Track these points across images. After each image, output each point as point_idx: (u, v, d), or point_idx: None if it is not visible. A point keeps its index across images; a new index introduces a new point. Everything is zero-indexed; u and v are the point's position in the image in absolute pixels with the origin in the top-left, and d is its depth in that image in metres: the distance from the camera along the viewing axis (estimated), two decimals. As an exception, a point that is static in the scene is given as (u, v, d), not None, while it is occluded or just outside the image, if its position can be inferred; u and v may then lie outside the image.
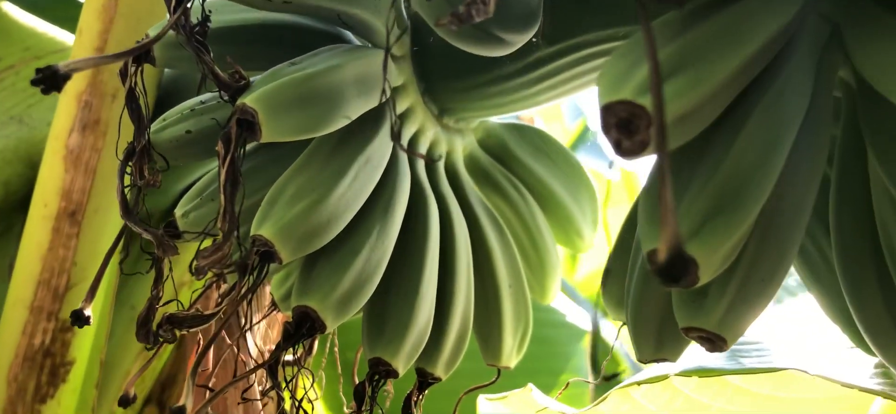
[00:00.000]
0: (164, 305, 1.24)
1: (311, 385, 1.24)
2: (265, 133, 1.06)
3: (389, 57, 1.25)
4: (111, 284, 1.75)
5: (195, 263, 1.03)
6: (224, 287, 1.47)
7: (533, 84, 1.30)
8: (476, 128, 1.50)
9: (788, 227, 0.90)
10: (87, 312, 1.19)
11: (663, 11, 0.83)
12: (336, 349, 1.59)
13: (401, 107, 1.31)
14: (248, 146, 1.11)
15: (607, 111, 0.71)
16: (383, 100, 1.17)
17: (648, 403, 1.42)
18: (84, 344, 1.73)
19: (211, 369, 1.54)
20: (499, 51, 1.13)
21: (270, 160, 1.25)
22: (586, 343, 2.81)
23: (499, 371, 1.45)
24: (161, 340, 1.17)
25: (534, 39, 1.17)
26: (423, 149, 1.37)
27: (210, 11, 1.09)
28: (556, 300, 1.68)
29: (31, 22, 2.01)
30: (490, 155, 1.53)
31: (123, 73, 1.16)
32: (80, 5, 1.69)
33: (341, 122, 1.14)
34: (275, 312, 1.49)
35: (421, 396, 1.35)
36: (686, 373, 1.31)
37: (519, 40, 1.12)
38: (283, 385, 1.18)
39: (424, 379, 1.34)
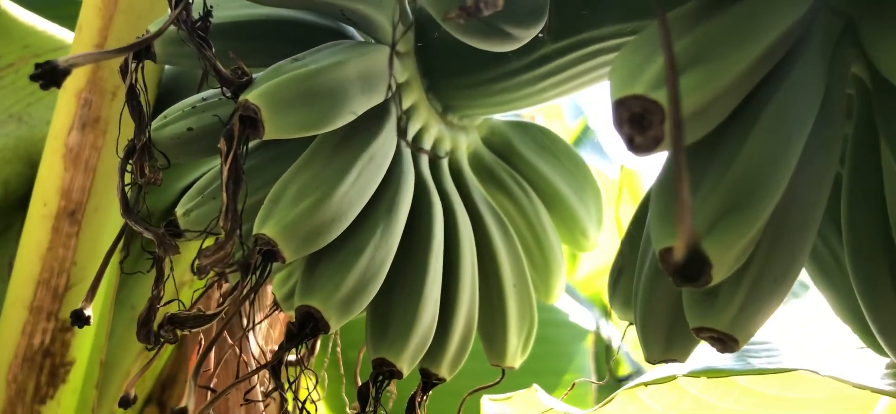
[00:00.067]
0: (164, 304, 1.23)
1: (315, 386, 1.22)
2: (268, 130, 1.04)
3: (392, 54, 1.23)
4: (111, 283, 1.74)
5: (197, 262, 1.01)
6: (225, 287, 1.45)
7: (538, 81, 1.28)
8: (480, 125, 1.48)
9: (801, 226, 0.88)
10: (88, 312, 1.17)
11: (676, 5, 0.81)
12: (339, 349, 1.58)
13: (405, 104, 1.29)
14: (250, 143, 1.09)
15: (620, 106, 0.69)
16: (388, 96, 1.16)
17: (654, 404, 1.41)
18: (84, 344, 1.71)
19: (212, 370, 1.53)
20: (506, 46, 1.12)
21: (273, 158, 1.23)
22: (589, 343, 2.80)
23: (503, 372, 1.43)
24: (162, 340, 1.16)
25: (540, 35, 1.16)
26: (426, 147, 1.35)
27: (211, 7, 1.07)
28: (559, 299, 1.67)
29: (30, 20, 2.00)
30: (494, 153, 1.51)
31: (124, 70, 1.15)
32: (80, 4, 1.67)
33: (345, 119, 1.12)
34: (277, 312, 1.48)
35: (425, 397, 1.33)
36: (694, 373, 1.29)
37: (526, 36, 1.10)
38: (286, 386, 1.16)
39: (428, 380, 1.33)
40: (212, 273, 1.10)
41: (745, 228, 0.77)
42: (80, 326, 1.18)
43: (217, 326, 1.13)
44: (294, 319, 1.16)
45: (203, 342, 1.56)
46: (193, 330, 1.11)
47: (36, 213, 1.67)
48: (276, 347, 1.73)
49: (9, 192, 1.80)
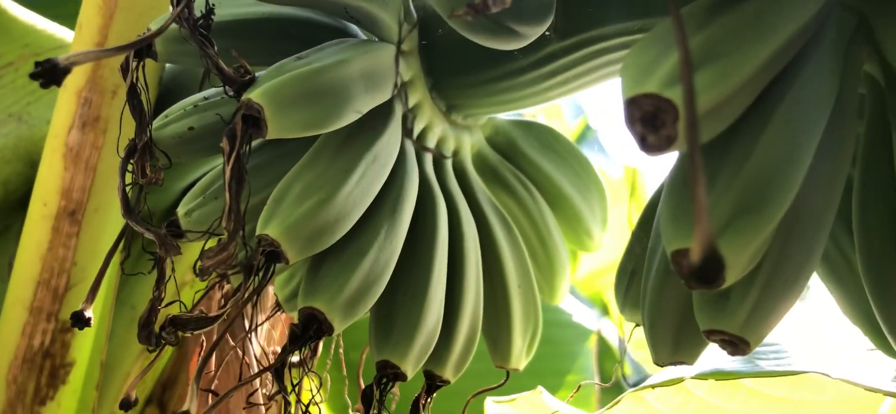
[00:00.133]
0: (165, 306, 1.21)
1: (319, 389, 1.21)
2: (271, 129, 1.03)
3: (397, 52, 1.22)
4: (111, 283, 1.73)
5: (200, 263, 1.00)
6: (227, 288, 1.44)
7: (544, 79, 1.27)
8: (484, 125, 1.47)
9: (814, 226, 0.87)
10: (88, 313, 1.16)
11: (687, 1, 0.80)
12: (341, 351, 1.56)
13: (409, 103, 1.28)
14: (253, 143, 1.08)
15: (632, 105, 0.68)
16: (394, 94, 1.14)
17: (661, 406, 1.40)
18: (84, 345, 1.70)
19: (213, 372, 1.51)
20: (512, 44, 1.11)
21: (275, 157, 1.22)
22: (592, 343, 2.78)
23: (507, 373, 1.42)
24: (163, 342, 1.14)
25: (546, 33, 1.14)
26: (430, 146, 1.34)
27: (213, 5, 1.06)
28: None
29: (30, 19, 1.98)
30: (498, 152, 1.50)
31: (125, 68, 1.13)
32: (80, 2, 1.66)
33: (349, 118, 1.11)
34: (278, 313, 1.46)
35: (429, 399, 1.32)
36: (702, 376, 1.28)
37: (533, 34, 1.09)
38: (290, 388, 1.15)
39: (433, 381, 1.31)
40: (213, 274, 1.08)
41: (759, 229, 0.75)
42: (81, 328, 1.17)
43: (219, 328, 1.12)
44: (296, 320, 1.15)
45: (205, 343, 1.54)
46: (195, 332, 1.10)
47: (36, 213, 1.65)
48: (277, 348, 1.73)
49: (8, 192, 1.79)
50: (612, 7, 1.15)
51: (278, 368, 1.12)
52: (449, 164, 1.40)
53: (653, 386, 1.33)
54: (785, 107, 0.80)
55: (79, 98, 1.63)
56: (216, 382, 1.47)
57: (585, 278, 4.88)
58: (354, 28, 1.28)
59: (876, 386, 1.21)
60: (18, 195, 1.79)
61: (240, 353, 1.32)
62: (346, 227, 1.13)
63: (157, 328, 1.14)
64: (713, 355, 1.29)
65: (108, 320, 1.74)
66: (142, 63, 1.13)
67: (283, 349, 1.12)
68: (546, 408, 1.50)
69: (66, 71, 0.83)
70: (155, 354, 1.19)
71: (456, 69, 1.30)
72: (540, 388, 1.50)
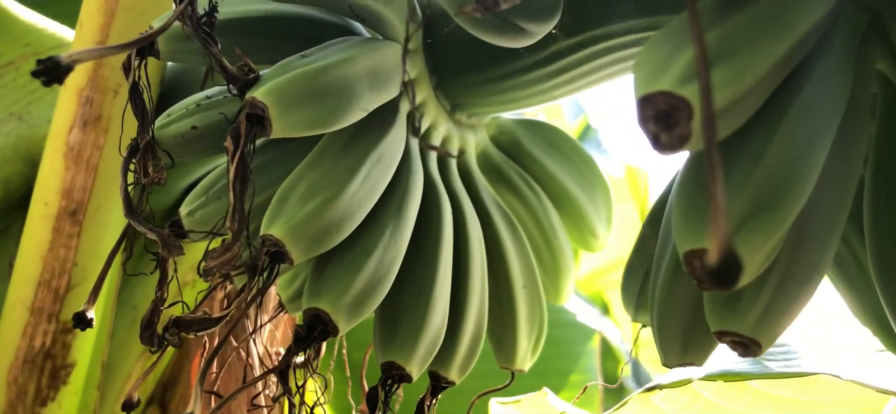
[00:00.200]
0: (168, 306, 1.20)
1: (324, 391, 1.20)
2: (276, 128, 1.02)
3: (402, 50, 1.21)
4: (113, 284, 1.71)
5: (204, 264, 0.99)
6: (230, 288, 1.43)
7: (549, 78, 1.26)
8: (488, 124, 1.46)
9: (827, 227, 0.86)
10: (90, 314, 1.15)
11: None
12: (344, 351, 1.55)
13: (414, 102, 1.27)
14: (257, 142, 1.07)
15: (645, 103, 0.66)
16: (400, 92, 1.13)
17: (667, 407, 1.39)
18: (85, 346, 1.69)
19: (216, 373, 1.50)
20: (519, 42, 1.09)
21: (279, 156, 1.21)
22: (596, 343, 2.77)
23: (512, 374, 1.41)
24: (166, 342, 1.13)
25: (552, 31, 1.13)
26: (435, 144, 1.33)
27: (217, 2, 1.05)
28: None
29: (31, 18, 1.97)
30: (503, 151, 1.49)
31: (127, 67, 1.12)
32: (81, 1, 1.65)
33: (355, 117, 1.10)
34: (281, 314, 1.45)
35: (434, 401, 1.31)
36: (711, 377, 1.26)
37: (540, 31, 1.08)
38: (294, 389, 1.14)
39: (437, 383, 1.30)
40: (217, 275, 1.07)
41: (774, 229, 0.74)
42: (83, 329, 1.16)
43: (223, 330, 1.11)
44: (299, 321, 1.14)
45: (208, 344, 1.53)
46: (198, 333, 1.09)
47: (37, 212, 1.64)
48: (279, 349, 1.71)
49: (9, 192, 1.78)
50: (619, 5, 1.14)
51: (283, 370, 1.11)
52: (453, 163, 1.39)
53: (660, 387, 1.32)
54: (799, 104, 0.78)
55: (80, 97, 1.62)
56: (218, 383, 1.46)
57: (586, 278, 4.88)
58: (359, 26, 1.27)
59: (886, 387, 1.20)
60: (19, 195, 1.78)
61: (242, 354, 1.31)
62: (352, 227, 1.12)
63: (159, 329, 1.13)
64: (720, 356, 1.28)
65: (109, 321, 1.73)
66: (144, 61, 1.12)
67: (288, 350, 1.10)
68: (551, 409, 1.49)
69: (68, 69, 0.82)
70: (157, 354, 1.18)
71: (461, 68, 1.29)
72: (545, 389, 1.49)
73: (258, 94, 1.01)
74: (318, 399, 1.20)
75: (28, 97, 1.86)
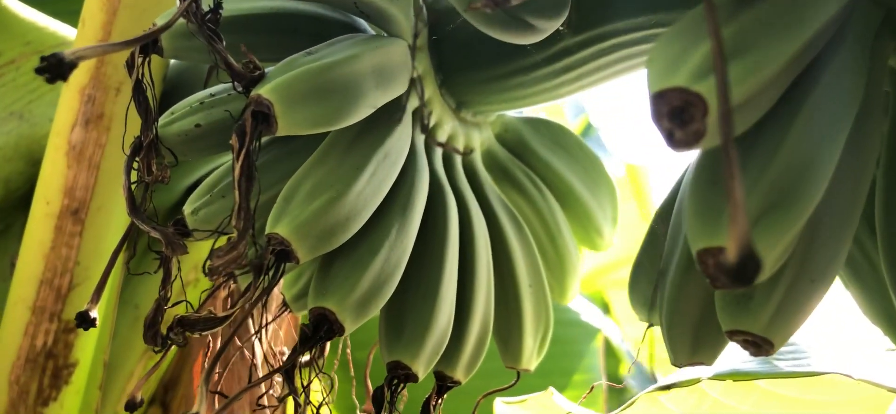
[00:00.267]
0: (171, 306, 1.19)
1: (330, 392, 1.19)
2: (281, 126, 1.01)
3: (407, 48, 1.20)
4: (115, 283, 1.71)
5: (209, 263, 0.98)
6: (233, 287, 1.42)
7: (556, 75, 1.25)
8: (494, 122, 1.45)
9: (840, 225, 0.85)
10: (93, 313, 1.14)
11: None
12: (349, 351, 1.54)
13: (418, 100, 1.26)
14: (262, 140, 1.06)
15: (659, 99, 0.65)
16: (407, 89, 1.12)
17: (674, 407, 1.38)
18: (87, 345, 1.68)
19: (219, 373, 1.49)
20: (528, 38, 1.08)
21: (284, 154, 1.20)
22: (599, 342, 2.76)
23: (518, 374, 1.40)
24: (170, 342, 1.12)
25: (560, 28, 1.12)
26: (441, 141, 1.32)
27: (221, -1, 1.04)
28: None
29: (31, 16, 1.96)
30: (508, 150, 1.48)
31: (130, 64, 1.11)
32: (83, -1, 1.64)
33: (362, 114, 1.09)
34: (285, 313, 1.44)
35: (439, 401, 1.30)
36: (720, 376, 1.25)
37: (549, 28, 1.07)
38: (300, 389, 1.13)
39: (443, 382, 1.29)
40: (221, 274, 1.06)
41: (789, 226, 0.73)
42: (86, 328, 1.15)
43: (226, 329, 1.10)
44: (303, 320, 1.13)
45: (211, 344, 1.52)
46: (203, 333, 1.08)
47: (38, 211, 1.63)
48: (283, 348, 1.71)
49: (10, 191, 1.77)
50: (628, 2, 1.13)
51: (288, 370, 1.10)
52: (459, 161, 1.38)
53: (669, 387, 1.31)
54: (813, 101, 0.77)
55: (82, 95, 1.61)
56: (221, 382, 1.45)
57: (586, 277, 4.87)
58: (363, 23, 1.26)
59: (898, 387, 1.19)
60: (20, 194, 1.77)
61: (245, 353, 1.30)
62: (358, 225, 1.11)
63: (163, 329, 1.12)
64: (727, 355, 1.27)
65: (111, 320, 1.72)
66: (148, 59, 1.11)
67: (294, 350, 1.09)
68: (557, 409, 1.48)
69: (72, 65, 0.81)
70: (160, 354, 1.17)
71: (466, 65, 1.28)
72: (551, 389, 1.48)
73: (264, 91, 1.00)
74: (325, 399, 1.19)
75: (29, 96, 1.86)
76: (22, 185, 1.78)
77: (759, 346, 0.86)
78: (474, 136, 1.40)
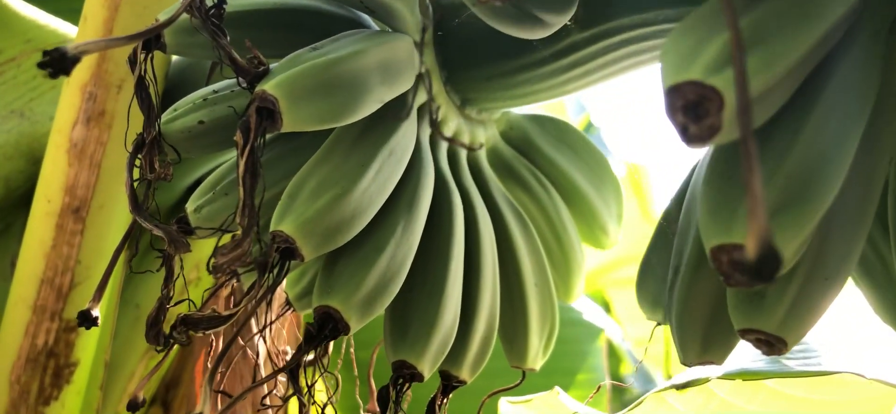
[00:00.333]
0: (173, 305, 1.18)
1: (336, 392, 1.17)
2: (286, 122, 0.99)
3: (413, 44, 1.18)
4: (116, 282, 1.70)
5: (213, 261, 0.96)
6: (236, 286, 1.41)
7: (562, 72, 1.24)
8: (499, 119, 1.44)
9: (854, 222, 0.84)
10: (95, 312, 1.13)
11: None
12: (352, 350, 1.53)
13: (423, 96, 1.25)
14: (266, 136, 1.04)
15: (674, 93, 0.64)
16: (414, 84, 1.11)
17: (682, 406, 1.36)
18: (88, 344, 1.67)
19: (221, 371, 1.48)
20: (536, 32, 1.07)
21: (288, 151, 1.18)
22: (602, 341, 2.75)
23: (523, 373, 1.39)
24: (173, 341, 1.11)
25: (567, 23, 1.11)
26: (447, 136, 1.31)
27: (225, -6, 1.03)
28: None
29: (32, 13, 1.95)
30: (513, 147, 1.47)
31: (133, 60, 1.10)
32: (84, -4, 1.63)
33: (367, 110, 1.07)
34: (289, 312, 1.43)
35: (445, 400, 1.28)
36: (729, 375, 1.24)
37: (557, 22, 1.06)
38: (304, 389, 1.12)
39: (449, 382, 1.28)
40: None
41: (805, 222, 0.72)
42: (88, 328, 1.14)
43: (229, 328, 1.09)
44: (306, 319, 1.11)
45: (214, 343, 1.51)
46: (206, 331, 1.06)
47: (39, 210, 1.62)
48: (286, 347, 1.69)
49: (10, 190, 1.76)
50: (636, -4, 1.12)
51: (293, 369, 1.09)
52: (464, 159, 1.36)
53: (677, 387, 1.30)
54: (827, 96, 0.76)
55: (83, 93, 1.60)
56: (224, 382, 1.44)
57: (586, 277, 4.84)
58: (368, 19, 1.25)
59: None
60: (21, 192, 1.76)
61: (248, 352, 1.29)
62: (363, 223, 1.10)
63: (166, 328, 1.11)
64: (735, 354, 1.25)
65: (112, 319, 1.71)
66: (150, 55, 1.10)
67: (298, 349, 1.08)
68: (563, 408, 1.47)
69: (74, 60, 0.80)
70: (162, 354, 1.16)
71: (472, 61, 1.27)
72: (557, 388, 1.47)
73: (268, 86, 0.99)
74: (330, 398, 1.18)
75: (30, 94, 1.85)
76: (22, 184, 1.77)
77: (773, 345, 0.85)
78: (479, 133, 1.39)
